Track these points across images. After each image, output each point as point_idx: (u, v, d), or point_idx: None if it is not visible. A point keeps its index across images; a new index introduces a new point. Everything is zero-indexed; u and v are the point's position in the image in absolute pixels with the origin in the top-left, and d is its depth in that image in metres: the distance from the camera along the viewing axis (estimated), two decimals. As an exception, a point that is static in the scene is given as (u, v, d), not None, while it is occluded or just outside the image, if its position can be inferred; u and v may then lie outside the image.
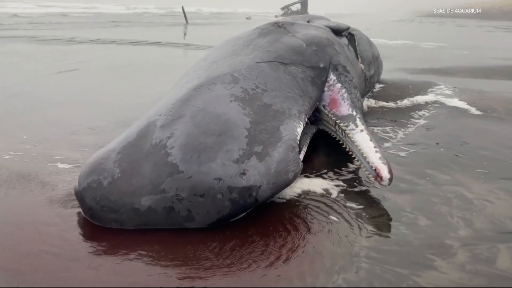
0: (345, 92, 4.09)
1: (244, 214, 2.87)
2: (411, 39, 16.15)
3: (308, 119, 4.13)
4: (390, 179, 3.10)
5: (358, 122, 3.73)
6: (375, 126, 4.67)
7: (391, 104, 5.40)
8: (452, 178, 3.46)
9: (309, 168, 3.75)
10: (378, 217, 2.96)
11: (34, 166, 3.65)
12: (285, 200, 3.16)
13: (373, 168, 3.19)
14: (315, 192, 3.32)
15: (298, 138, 3.21)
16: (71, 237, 2.69)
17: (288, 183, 2.92)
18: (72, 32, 20.25)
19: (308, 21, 5.78)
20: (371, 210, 3.06)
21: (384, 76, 7.12)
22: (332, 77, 4.15)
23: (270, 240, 2.65)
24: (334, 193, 3.32)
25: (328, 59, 4.21)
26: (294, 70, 3.87)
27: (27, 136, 4.41)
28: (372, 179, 3.23)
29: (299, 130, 3.30)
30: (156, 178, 2.69)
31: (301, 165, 3.05)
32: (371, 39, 6.64)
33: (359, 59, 5.40)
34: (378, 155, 3.25)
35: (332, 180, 3.54)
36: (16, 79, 7.53)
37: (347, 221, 2.91)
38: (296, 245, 2.59)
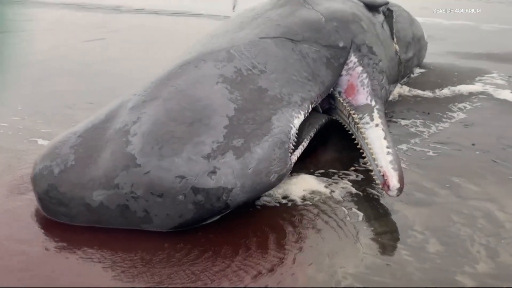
0: (366, 77, 3.49)
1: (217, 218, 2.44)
2: (472, 20, 14.71)
3: (321, 106, 3.61)
4: (399, 190, 2.53)
5: (375, 114, 3.15)
6: (403, 119, 4.04)
7: (427, 93, 4.69)
8: (483, 190, 2.83)
9: (313, 164, 3.23)
10: (380, 234, 2.43)
11: (13, 140, 3.39)
12: (272, 202, 2.68)
13: (381, 173, 2.63)
14: (312, 194, 2.81)
15: (293, 131, 2.70)
16: (20, 229, 2.39)
17: (268, 186, 2.44)
18: (122, 0, 20.20)
19: (341, -6, 5.12)
20: (374, 224, 2.52)
21: (428, 59, 6.32)
22: (352, 59, 3.55)
23: (238, 255, 2.20)
24: (336, 197, 2.80)
25: (350, 38, 3.60)
26: (306, 48, 3.31)
27: (22, 107, 4.17)
28: (380, 186, 2.68)
29: (297, 121, 2.78)
30: (110, 170, 2.29)
31: (289, 164, 2.55)
32: (417, 18, 5.87)
33: (395, 39, 4.70)
34: (390, 157, 2.68)
35: (337, 181, 3.01)
36: (41, 46, 7.39)
37: (340, 235, 2.40)
38: (267, 266, 2.13)
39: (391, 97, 4.50)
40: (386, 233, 2.43)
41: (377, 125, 3.01)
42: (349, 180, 3.02)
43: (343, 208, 2.67)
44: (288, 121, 2.70)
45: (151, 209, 2.26)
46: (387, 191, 2.57)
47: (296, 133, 2.94)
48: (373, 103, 3.30)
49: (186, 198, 2.22)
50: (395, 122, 4.00)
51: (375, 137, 2.90)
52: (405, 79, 5.11)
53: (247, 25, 3.53)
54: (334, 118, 3.60)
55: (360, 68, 3.52)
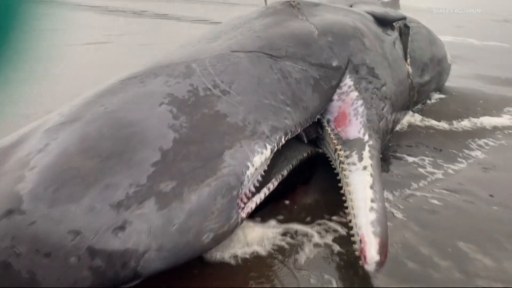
0: (362, 104, 2.88)
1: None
2: (508, 42, 13.79)
3: (306, 136, 3.01)
4: (378, 264, 1.89)
5: (365, 153, 2.52)
6: (409, 155, 3.38)
7: (442, 125, 4.01)
8: (497, 266, 2.16)
9: (287, 208, 2.63)
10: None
11: None
12: (207, 257, 2.09)
13: (359, 236, 2.00)
14: (272, 251, 2.21)
15: (250, 172, 2.10)
16: None
17: (198, 250, 1.85)
18: (149, 5, 20.05)
19: (351, 5, 4.52)
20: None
21: (452, 83, 5.62)
22: (347, 81, 2.95)
23: None
24: (302, 258, 2.20)
25: (346, 56, 3.00)
26: (289, 67, 2.72)
27: (-26, 114, 3.73)
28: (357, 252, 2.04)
29: (259, 158, 2.18)
30: None
31: (234, 219, 1.95)
32: (447, 37, 5.20)
33: (408, 60, 4.06)
34: (372, 216, 2.04)
35: (311, 234, 2.40)
36: (32, 46, 7.06)
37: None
38: None
39: (398, 127, 3.86)
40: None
41: (365, 168, 2.39)
42: (327, 233, 2.41)
43: (308, 279, 2.06)
44: (246, 158, 2.11)
45: (38, 270, 1.70)
46: (363, 263, 1.93)
47: (264, 171, 2.37)
48: (366, 137, 2.67)
49: (80, 261, 1.65)
50: (399, 158, 3.35)
51: (359, 184, 2.27)
52: (418, 106, 4.44)
53: (224, 35, 2.97)
54: (321, 151, 2.99)
55: (355, 93, 2.91)
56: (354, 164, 2.45)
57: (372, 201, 2.12)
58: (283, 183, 2.65)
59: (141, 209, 1.73)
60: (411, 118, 4.09)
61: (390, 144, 3.53)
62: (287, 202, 2.67)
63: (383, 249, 1.90)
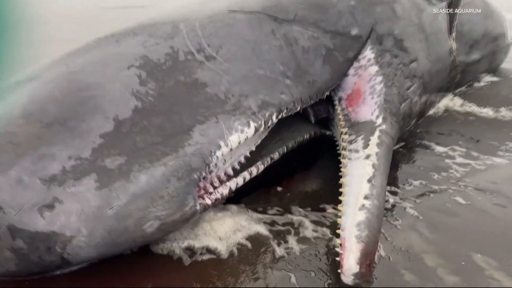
0: (381, 82, 2.47)
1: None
2: None
3: (315, 115, 2.66)
4: (357, 276, 1.54)
5: (374, 139, 2.13)
6: (438, 144, 2.92)
7: (486, 112, 3.45)
8: (518, 289, 1.74)
9: (277, 195, 2.31)
10: None
11: None
12: (165, 249, 1.83)
13: (340, 239, 1.66)
14: (249, 245, 1.92)
15: (222, 153, 1.80)
16: None
17: (139, 239, 1.59)
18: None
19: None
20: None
21: (509, 64, 4.91)
22: (367, 53, 2.54)
23: None
24: (281, 255, 1.89)
25: (370, 24, 2.58)
26: (296, 32, 2.36)
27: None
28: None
29: (237, 137, 1.87)
30: None
31: (190, 207, 1.66)
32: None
33: (453, 34, 3.50)
34: (361, 216, 1.68)
35: (300, 228, 2.07)
36: (74, 8, 7.01)
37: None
38: None
39: (432, 111, 3.36)
40: None
41: (367, 157, 2.01)
42: (318, 227, 2.08)
43: (288, 279, 1.75)
44: (220, 136, 1.81)
45: (-41, 247, 1.52)
46: (341, 271, 1.59)
47: (249, 153, 2.08)
48: (379, 120, 2.27)
49: (0, 240, 1.44)
50: (426, 147, 2.89)
51: (356, 176, 1.91)
52: (462, 88, 3.87)
53: (230, -6, 2.63)
54: (328, 133, 2.62)
55: (374, 68, 2.50)
56: (356, 151, 2.07)
57: (366, 197, 1.76)
58: (279, 167, 2.34)
59: (77, 187, 1.49)
60: (450, 101, 3.55)
61: (418, 130, 3.08)
62: (279, 189, 2.36)
63: (366, 258, 1.55)
